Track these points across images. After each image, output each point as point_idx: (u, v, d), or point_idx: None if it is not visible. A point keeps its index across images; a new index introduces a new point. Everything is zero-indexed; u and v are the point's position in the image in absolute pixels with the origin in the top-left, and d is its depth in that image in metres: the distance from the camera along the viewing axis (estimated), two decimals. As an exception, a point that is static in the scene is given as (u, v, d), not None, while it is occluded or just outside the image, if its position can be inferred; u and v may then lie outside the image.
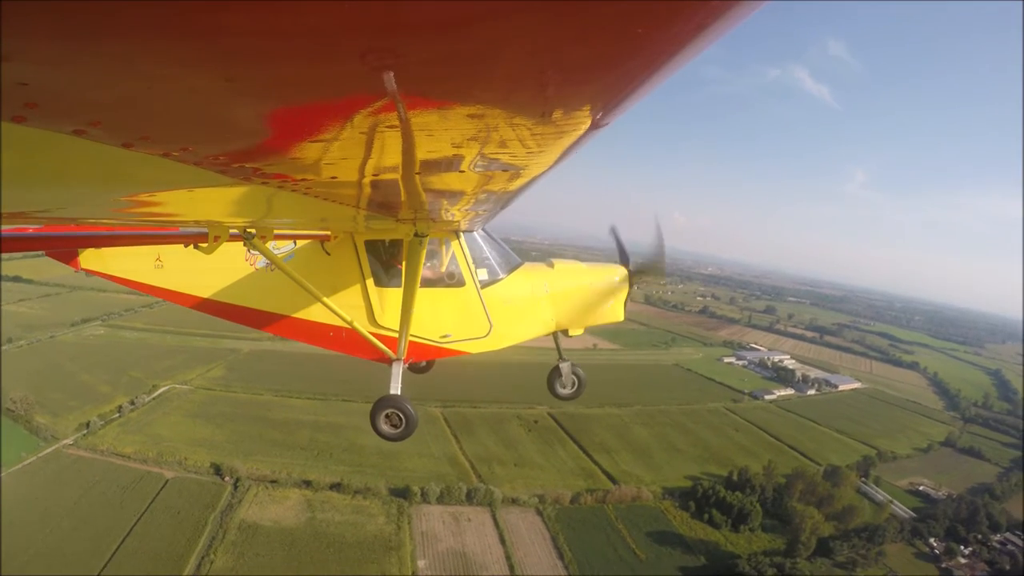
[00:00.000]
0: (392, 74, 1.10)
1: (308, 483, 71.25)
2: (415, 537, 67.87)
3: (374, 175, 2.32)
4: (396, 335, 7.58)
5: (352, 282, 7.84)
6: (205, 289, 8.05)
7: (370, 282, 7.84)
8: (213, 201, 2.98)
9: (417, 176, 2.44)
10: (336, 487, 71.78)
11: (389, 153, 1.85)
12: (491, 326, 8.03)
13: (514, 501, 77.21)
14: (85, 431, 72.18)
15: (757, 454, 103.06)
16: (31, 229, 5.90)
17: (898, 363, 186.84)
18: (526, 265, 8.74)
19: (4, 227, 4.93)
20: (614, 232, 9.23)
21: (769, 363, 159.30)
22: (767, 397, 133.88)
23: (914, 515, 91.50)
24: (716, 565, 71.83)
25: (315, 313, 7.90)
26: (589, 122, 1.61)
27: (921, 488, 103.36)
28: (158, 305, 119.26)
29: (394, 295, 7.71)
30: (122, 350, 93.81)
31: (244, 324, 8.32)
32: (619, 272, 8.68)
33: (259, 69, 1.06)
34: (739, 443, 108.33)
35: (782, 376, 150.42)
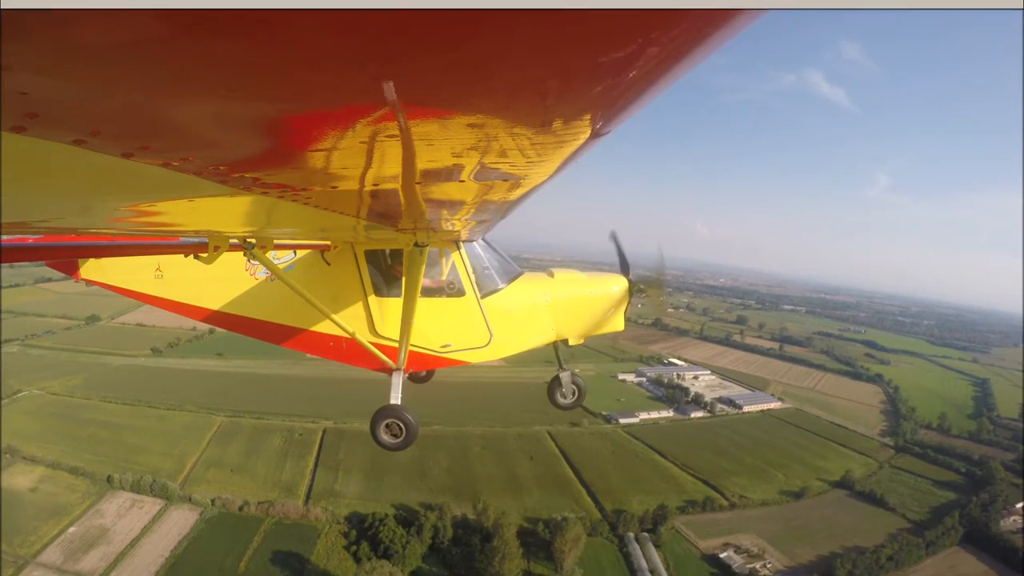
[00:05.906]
0: (392, 84, 1.09)
1: (55, 464, 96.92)
2: (87, 512, 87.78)
3: (374, 185, 2.37)
4: (396, 345, 7.72)
5: (352, 292, 7.95)
6: (204, 299, 8.17)
7: (370, 292, 7.96)
8: (213, 211, 3.05)
9: (417, 186, 2.50)
10: (73, 470, 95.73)
11: (389, 163, 1.90)
12: (491, 336, 8.12)
13: (189, 499, 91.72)
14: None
15: (524, 489, 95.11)
16: (31, 239, 5.90)
17: (858, 376, 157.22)
18: (526, 275, 8.89)
19: (4, 237, 5.05)
20: (614, 239, 9.19)
21: (666, 380, 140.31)
22: (622, 420, 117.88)
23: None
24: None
25: (315, 323, 8.01)
26: (589, 131, 1.62)
27: (724, 556, 77.34)
28: (76, 328, 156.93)
29: (394, 305, 7.82)
30: (17, 364, 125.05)
31: (243, 334, 8.38)
32: (619, 282, 8.78)
33: (259, 79, 1.06)
34: (515, 475, 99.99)
35: (672, 396, 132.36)
